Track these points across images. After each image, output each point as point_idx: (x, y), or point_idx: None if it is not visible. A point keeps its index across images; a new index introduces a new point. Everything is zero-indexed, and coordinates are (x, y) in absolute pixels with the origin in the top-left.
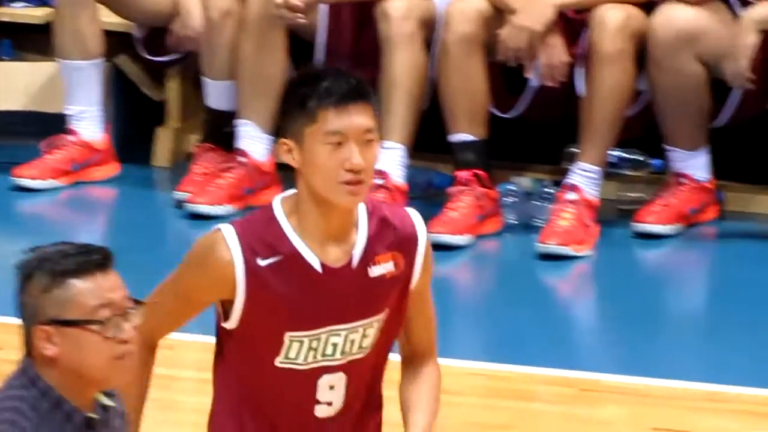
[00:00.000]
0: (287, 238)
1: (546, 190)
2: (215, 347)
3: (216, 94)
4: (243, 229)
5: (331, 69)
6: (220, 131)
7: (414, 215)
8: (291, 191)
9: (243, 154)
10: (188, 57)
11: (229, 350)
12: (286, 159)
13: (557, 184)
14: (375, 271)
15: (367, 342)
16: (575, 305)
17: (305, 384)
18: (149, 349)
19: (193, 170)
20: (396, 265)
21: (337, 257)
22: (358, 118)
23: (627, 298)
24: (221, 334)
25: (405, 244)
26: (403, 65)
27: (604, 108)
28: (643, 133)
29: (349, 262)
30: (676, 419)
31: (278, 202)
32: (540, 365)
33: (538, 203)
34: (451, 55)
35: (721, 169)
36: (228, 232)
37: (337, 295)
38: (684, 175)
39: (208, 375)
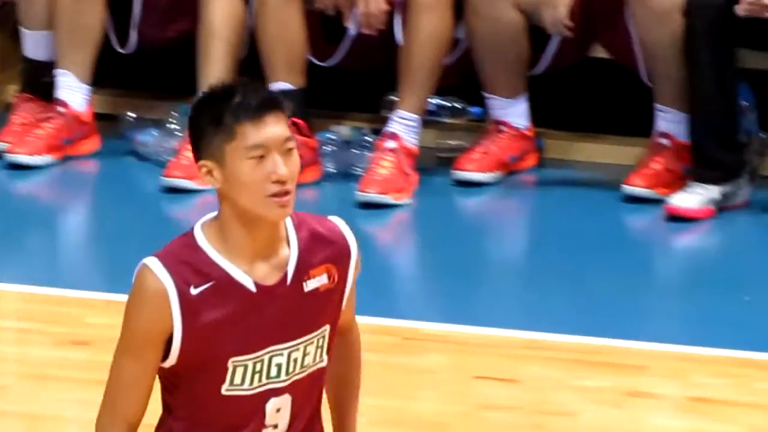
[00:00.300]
0: (215, 262)
1: (365, 138)
2: (161, 385)
3: (34, 44)
4: (168, 260)
5: (238, 83)
6: (38, 81)
7: (341, 224)
8: (209, 216)
9: (62, 104)
10: (5, 6)
11: (174, 387)
12: (208, 180)
13: (377, 132)
14: (309, 285)
15: (308, 360)
16: (395, 254)
17: (253, 409)
18: (132, 430)
19: (12, 120)
20: (330, 277)
21: (270, 275)
22: (276, 128)
23: (447, 246)
24: (162, 374)
25: (338, 256)
26: (221, 15)
27: (422, 56)
28: (461, 80)
29: (284, 279)
30: (498, 367)
31: (198, 229)
32: (361, 314)
33: (358, 152)
34: (268, 4)
35: (540, 116)
36: (153, 263)
37: (274, 314)
38: (503, 123)
39: (30, 324)
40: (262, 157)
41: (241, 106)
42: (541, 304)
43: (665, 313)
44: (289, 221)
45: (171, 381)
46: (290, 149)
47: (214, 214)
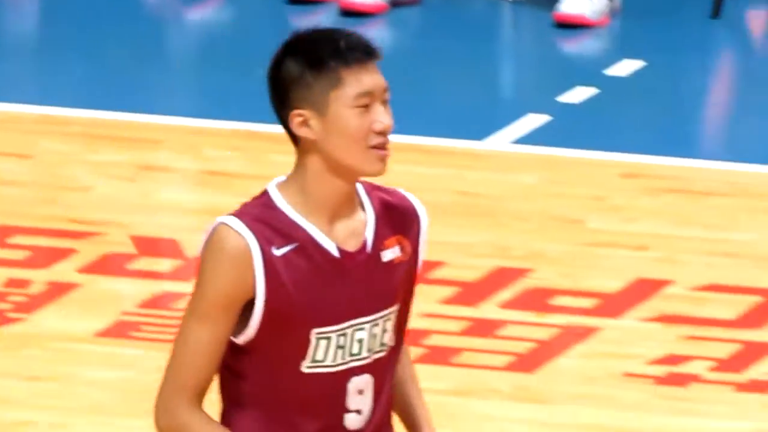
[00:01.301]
0: (296, 223)
1: None
2: (222, 371)
3: None
4: (247, 218)
5: (331, 29)
6: None
7: (411, 196)
8: (280, 178)
9: None
10: None
11: (244, 369)
12: (301, 132)
13: None
14: (386, 255)
15: (387, 338)
16: None
17: (335, 390)
18: (199, 401)
19: None
20: (402, 249)
21: (350, 240)
22: (379, 76)
23: None
24: (231, 356)
25: (409, 227)
26: None
27: None
28: None
29: (364, 246)
30: (12, 143)
31: (274, 189)
32: None
33: None
34: None
35: None
36: (232, 221)
37: (356, 283)
38: None
39: None
40: (366, 106)
41: (349, 50)
42: (53, 79)
43: (179, 87)
44: (360, 187)
45: (242, 362)
46: (387, 100)
47: (283, 177)
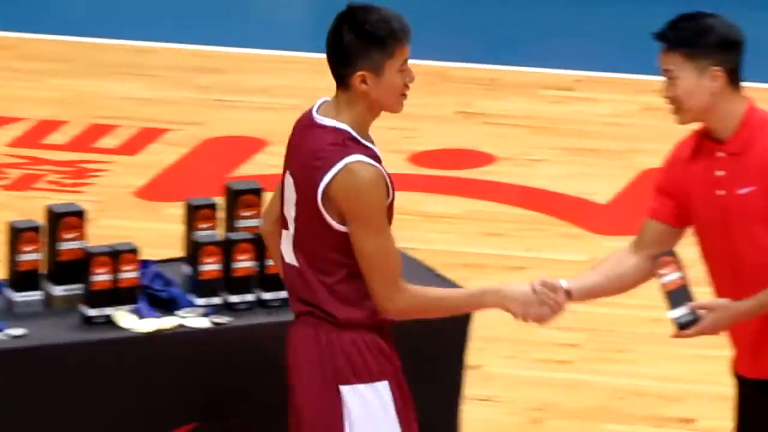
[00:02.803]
0: (372, 149)
1: None
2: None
3: None
4: (366, 154)
5: (379, 8)
6: None
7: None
8: (340, 124)
9: None
10: None
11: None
12: (361, 87)
13: None
14: None
15: None
16: None
17: None
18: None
19: None
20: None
21: None
22: (409, 47)
23: None
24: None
25: None
26: None
27: None
28: None
29: None
30: None
31: (348, 128)
32: None
33: None
34: None
35: None
36: (365, 159)
37: None
38: None
39: None
40: (404, 69)
41: (402, 31)
42: None
43: None
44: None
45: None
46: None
47: (340, 124)
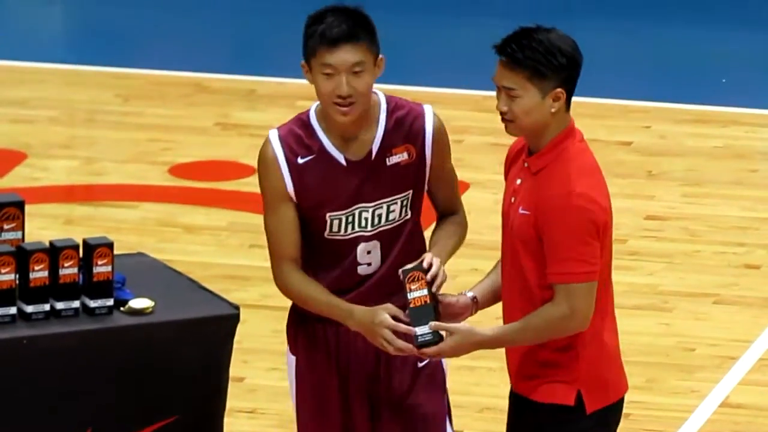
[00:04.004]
0: (318, 138)
1: None
2: None
3: None
4: (284, 133)
5: (334, 12)
6: None
7: (427, 111)
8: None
9: None
10: None
11: (305, 238)
12: (306, 78)
13: None
14: (392, 160)
15: (393, 216)
16: None
17: (348, 250)
18: (298, 265)
19: None
20: (409, 154)
21: (358, 151)
22: (346, 54)
23: None
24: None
25: (415, 137)
26: None
27: None
28: None
29: (369, 155)
30: None
31: (313, 109)
32: None
33: None
34: None
35: None
36: (273, 136)
37: (360, 181)
38: None
39: None
40: (331, 74)
41: (323, 33)
42: None
43: None
44: (384, 106)
45: (303, 233)
46: (358, 72)
47: (312, 107)
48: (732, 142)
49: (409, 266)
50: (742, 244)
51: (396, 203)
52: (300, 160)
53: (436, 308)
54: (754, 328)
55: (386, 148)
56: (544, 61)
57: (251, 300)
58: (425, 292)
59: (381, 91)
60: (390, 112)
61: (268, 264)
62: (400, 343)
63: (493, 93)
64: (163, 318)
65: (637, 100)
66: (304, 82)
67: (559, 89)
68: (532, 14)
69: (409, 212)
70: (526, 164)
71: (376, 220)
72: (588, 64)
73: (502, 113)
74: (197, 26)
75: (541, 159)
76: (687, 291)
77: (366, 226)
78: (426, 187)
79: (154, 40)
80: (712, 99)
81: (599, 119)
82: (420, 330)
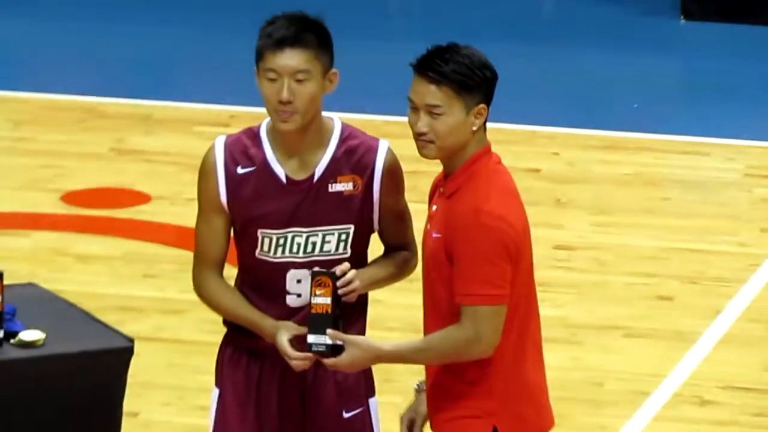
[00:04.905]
0: (263, 150)
1: None
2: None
3: None
4: (231, 141)
5: (287, 16)
6: None
7: (381, 145)
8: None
9: None
10: None
11: (238, 252)
12: (257, 82)
13: None
14: (335, 187)
15: (328, 247)
16: None
17: (277, 275)
18: (219, 272)
19: None
20: (355, 185)
21: (301, 171)
22: (291, 60)
23: None
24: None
25: (364, 169)
26: None
27: None
28: None
29: (311, 177)
30: None
31: (265, 122)
32: None
33: None
34: None
35: None
36: (218, 143)
37: (298, 202)
38: None
39: None
40: (274, 79)
41: (270, 34)
42: None
43: None
44: (338, 132)
45: (237, 247)
46: (301, 79)
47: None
48: (642, 169)
49: (320, 269)
50: (653, 274)
51: (333, 234)
52: (240, 170)
53: (337, 319)
54: (667, 362)
55: (331, 173)
56: (470, 74)
57: (146, 332)
58: (328, 300)
59: (341, 119)
60: (342, 140)
61: (164, 295)
62: (297, 355)
63: (392, 117)
64: (55, 351)
65: (544, 125)
66: (202, 106)
67: (482, 105)
68: (439, 38)
69: (348, 250)
70: (441, 189)
71: (309, 247)
72: (495, 88)
73: (420, 134)
74: (91, 49)
75: (455, 181)
76: (596, 323)
77: (298, 252)
78: (374, 228)
79: (47, 63)
80: (622, 124)
81: (506, 145)
82: (315, 338)
